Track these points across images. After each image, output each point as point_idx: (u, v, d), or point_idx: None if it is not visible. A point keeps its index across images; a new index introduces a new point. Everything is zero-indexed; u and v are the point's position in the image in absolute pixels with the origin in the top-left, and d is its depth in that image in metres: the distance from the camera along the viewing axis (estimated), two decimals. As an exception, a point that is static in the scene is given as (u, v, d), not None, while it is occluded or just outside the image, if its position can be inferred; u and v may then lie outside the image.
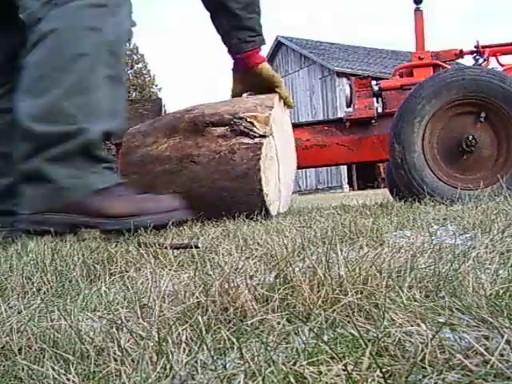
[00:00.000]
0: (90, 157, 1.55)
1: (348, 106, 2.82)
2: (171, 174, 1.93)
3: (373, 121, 2.65)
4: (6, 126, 2.01)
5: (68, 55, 1.56)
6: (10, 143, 2.01)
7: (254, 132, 1.87)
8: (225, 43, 2.09)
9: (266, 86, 2.11)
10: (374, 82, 2.78)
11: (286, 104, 2.16)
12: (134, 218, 1.51)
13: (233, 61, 2.13)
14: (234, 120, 1.88)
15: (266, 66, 2.10)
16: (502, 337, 0.45)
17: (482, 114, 2.12)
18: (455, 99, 2.11)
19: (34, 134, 1.51)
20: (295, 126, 2.65)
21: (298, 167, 2.80)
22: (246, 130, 1.87)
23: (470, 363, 0.42)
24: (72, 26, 1.58)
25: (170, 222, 1.57)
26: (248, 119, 1.89)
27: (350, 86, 2.78)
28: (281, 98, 2.13)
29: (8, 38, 2.02)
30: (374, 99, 2.78)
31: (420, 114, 2.11)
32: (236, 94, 2.19)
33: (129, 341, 0.55)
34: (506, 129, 2.11)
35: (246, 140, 1.87)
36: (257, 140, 1.86)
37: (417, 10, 2.93)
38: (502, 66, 2.81)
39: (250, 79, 2.12)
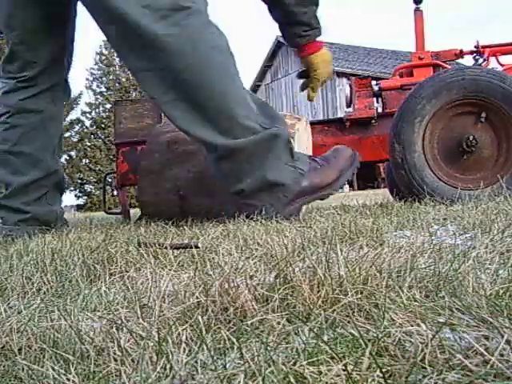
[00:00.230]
0: (288, 150, 1.77)
1: (348, 105, 2.81)
2: (189, 154, 2.08)
3: (373, 121, 2.65)
4: (29, 127, 2.08)
5: (215, 81, 1.69)
6: (31, 144, 2.08)
7: None
8: (281, 33, 2.21)
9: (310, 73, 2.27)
10: (373, 82, 2.77)
11: (309, 94, 2.27)
12: (339, 179, 1.86)
13: None
14: None
15: (316, 57, 2.19)
16: (502, 337, 0.45)
17: (483, 114, 2.11)
18: (455, 99, 2.11)
19: (238, 154, 1.71)
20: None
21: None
22: None
23: (470, 363, 0.42)
24: (204, 59, 1.68)
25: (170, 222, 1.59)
26: None
27: (350, 85, 2.78)
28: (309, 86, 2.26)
29: (57, 39, 2.08)
30: (374, 99, 2.77)
31: (420, 113, 2.11)
32: (302, 70, 2.32)
33: (129, 341, 0.55)
34: (506, 129, 2.11)
35: None
36: None
37: (417, 9, 2.93)
38: (501, 65, 2.81)
39: (303, 62, 2.27)
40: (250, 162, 1.72)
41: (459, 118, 2.15)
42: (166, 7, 1.64)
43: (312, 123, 2.78)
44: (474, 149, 2.13)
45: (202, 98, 1.68)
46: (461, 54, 2.87)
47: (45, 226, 2.02)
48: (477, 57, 2.83)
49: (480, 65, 2.76)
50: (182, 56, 1.66)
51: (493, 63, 2.82)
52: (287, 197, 1.75)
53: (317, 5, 2.11)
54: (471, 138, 2.12)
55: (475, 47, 2.86)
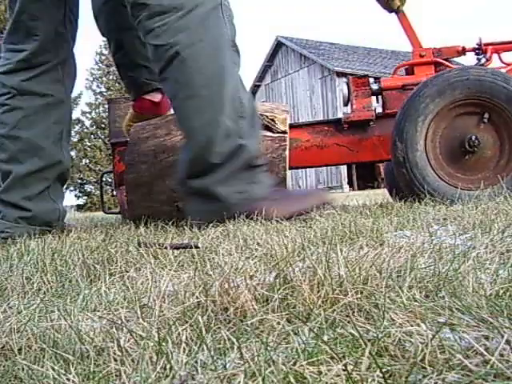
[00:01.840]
0: (251, 168, 1.63)
1: (345, 104, 2.79)
2: None
3: (371, 123, 2.63)
4: (31, 111, 1.93)
5: (210, 71, 1.62)
6: (30, 129, 1.93)
7: (276, 128, 1.98)
8: None
9: None
10: (371, 80, 2.74)
11: None
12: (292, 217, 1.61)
13: None
14: None
15: None
16: (502, 337, 0.45)
17: (486, 115, 2.11)
18: (459, 99, 2.11)
19: (206, 154, 1.60)
20: (295, 126, 2.65)
21: (298, 167, 2.79)
22: (269, 124, 1.97)
23: (470, 363, 0.42)
24: (205, 39, 1.61)
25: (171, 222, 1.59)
26: (269, 116, 1.98)
27: (348, 84, 2.75)
28: None
29: (53, 14, 1.94)
30: (373, 98, 2.75)
31: (423, 112, 2.11)
32: None
33: (129, 341, 0.55)
34: (509, 130, 2.10)
35: (270, 134, 1.96)
36: (279, 134, 1.98)
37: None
38: (504, 63, 2.79)
39: None
40: (208, 171, 1.61)
41: (462, 117, 2.14)
42: None
43: (312, 123, 2.78)
44: (477, 149, 2.12)
45: (197, 84, 1.61)
46: (463, 51, 2.86)
47: (46, 227, 1.94)
48: (479, 55, 2.81)
49: (483, 64, 2.74)
50: (180, 49, 1.60)
51: (495, 61, 2.80)
52: (221, 214, 1.57)
53: None
54: (474, 138, 2.11)
55: (477, 44, 2.84)
